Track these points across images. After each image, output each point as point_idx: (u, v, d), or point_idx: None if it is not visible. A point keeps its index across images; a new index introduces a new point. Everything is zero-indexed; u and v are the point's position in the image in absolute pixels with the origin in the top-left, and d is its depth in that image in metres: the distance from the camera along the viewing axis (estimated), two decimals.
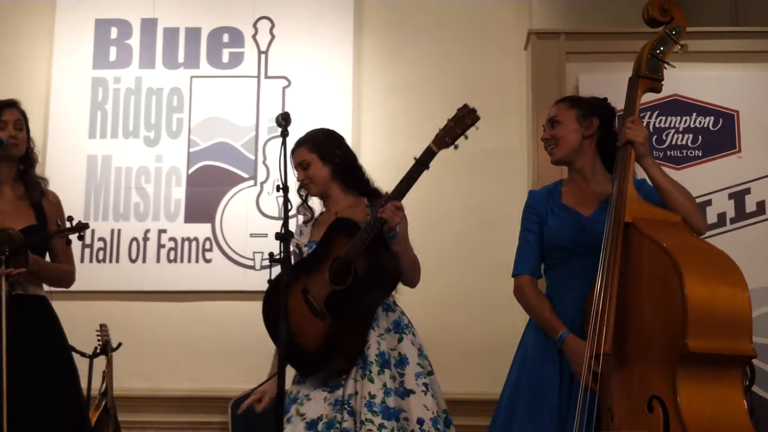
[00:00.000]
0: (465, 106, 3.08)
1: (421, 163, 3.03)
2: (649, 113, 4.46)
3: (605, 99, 3.07)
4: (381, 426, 2.93)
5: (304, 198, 3.37)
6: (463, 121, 3.05)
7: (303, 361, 3.11)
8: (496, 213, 4.83)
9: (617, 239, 2.60)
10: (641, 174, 2.82)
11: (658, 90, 2.87)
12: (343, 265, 3.05)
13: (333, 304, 3.08)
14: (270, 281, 3.04)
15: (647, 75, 2.81)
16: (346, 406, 2.99)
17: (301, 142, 3.33)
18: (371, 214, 3.13)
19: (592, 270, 2.65)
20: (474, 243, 4.84)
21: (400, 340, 3.14)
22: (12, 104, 3.34)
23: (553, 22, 4.83)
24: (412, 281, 3.25)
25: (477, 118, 3.05)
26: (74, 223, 3.22)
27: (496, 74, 5.01)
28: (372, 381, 3.02)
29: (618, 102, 2.98)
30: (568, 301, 2.86)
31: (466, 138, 3.05)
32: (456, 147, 3.05)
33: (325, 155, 3.29)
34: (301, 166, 3.29)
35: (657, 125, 4.50)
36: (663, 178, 2.75)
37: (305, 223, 3.37)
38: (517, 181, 4.82)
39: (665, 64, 2.83)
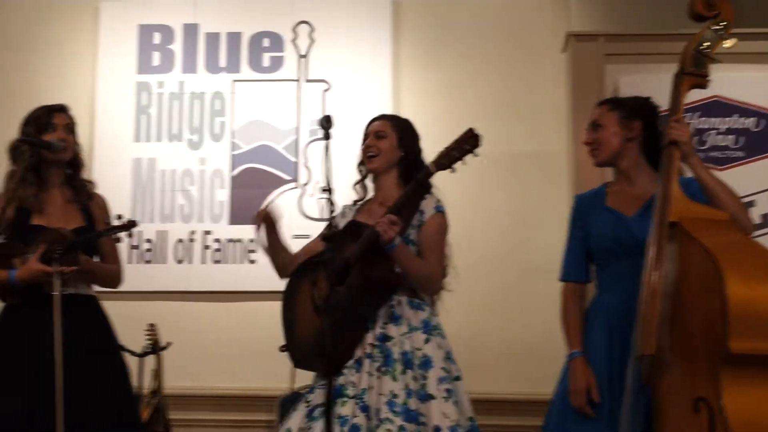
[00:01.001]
0: (470, 130, 2.95)
1: (419, 183, 2.99)
2: (690, 114, 4.42)
3: (648, 98, 3.05)
4: (401, 428, 2.83)
5: (363, 174, 3.28)
6: (462, 146, 2.93)
7: (299, 353, 3.12)
8: (537, 215, 4.85)
9: (662, 239, 2.58)
10: (689, 173, 2.80)
11: (704, 87, 2.78)
12: (341, 266, 3.00)
13: (330, 303, 3.00)
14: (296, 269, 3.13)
15: (692, 72, 2.73)
16: (357, 401, 2.88)
17: (388, 117, 3.30)
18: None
19: (638, 271, 2.64)
20: (515, 244, 4.86)
21: (427, 341, 3.03)
22: (62, 109, 3.37)
23: (591, 24, 4.82)
24: (426, 290, 3.15)
25: (477, 145, 2.92)
26: (124, 221, 3.24)
27: (535, 77, 5.02)
28: (395, 379, 2.92)
29: (661, 104, 2.97)
30: (614, 303, 2.87)
31: (464, 163, 2.94)
32: (453, 171, 2.94)
33: (404, 140, 3.22)
34: (376, 135, 3.19)
35: (698, 126, 4.47)
36: (709, 178, 2.72)
37: (353, 203, 3.31)
38: (557, 183, 4.83)
39: (711, 61, 2.74)
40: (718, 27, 2.77)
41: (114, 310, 3.47)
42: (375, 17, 5.16)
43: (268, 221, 3.18)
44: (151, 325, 4.40)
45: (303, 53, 5.19)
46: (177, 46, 5.22)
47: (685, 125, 2.73)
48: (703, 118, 4.48)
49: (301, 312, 3.10)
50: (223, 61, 5.20)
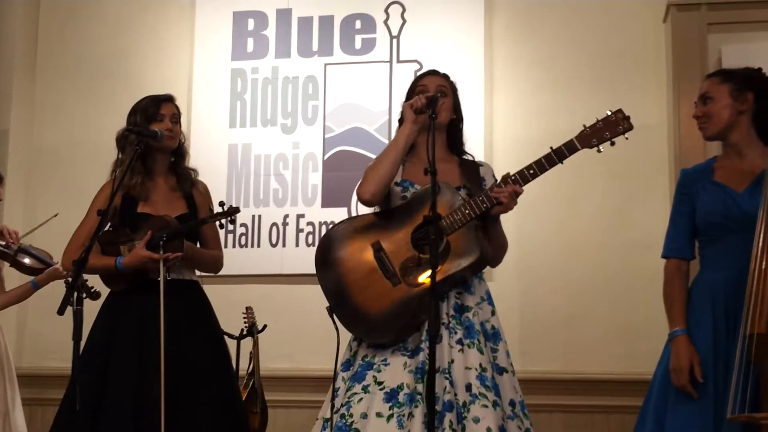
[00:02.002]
0: (620, 111, 2.88)
1: (559, 155, 2.85)
2: None
3: (760, 69, 2.94)
4: (495, 403, 2.71)
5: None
6: (615, 126, 2.85)
7: (362, 323, 2.87)
8: (637, 189, 4.73)
9: None
10: None
11: None
12: (434, 233, 2.77)
13: (409, 270, 2.84)
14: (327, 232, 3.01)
15: None
16: (446, 375, 2.72)
17: (445, 76, 3.15)
18: (480, 190, 2.91)
19: (746, 246, 2.57)
20: (615, 220, 4.74)
21: (493, 313, 2.95)
22: (169, 99, 3.45)
23: None
24: (498, 262, 3.05)
25: (630, 127, 2.86)
26: (226, 208, 3.28)
27: (634, 48, 4.86)
28: (482, 352, 2.79)
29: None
30: (720, 279, 2.79)
31: (613, 144, 2.87)
32: (600, 151, 2.87)
33: (457, 104, 3.13)
34: (441, 92, 3.03)
35: None
36: None
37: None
38: (658, 156, 4.70)
39: None
40: None
41: (212, 293, 3.55)
42: None
43: None
44: (248, 308, 4.47)
45: (395, 34, 5.16)
46: (270, 32, 5.26)
47: None
48: None
49: (362, 280, 2.88)
50: (315, 45, 5.22)
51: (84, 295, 2.80)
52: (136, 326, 3.26)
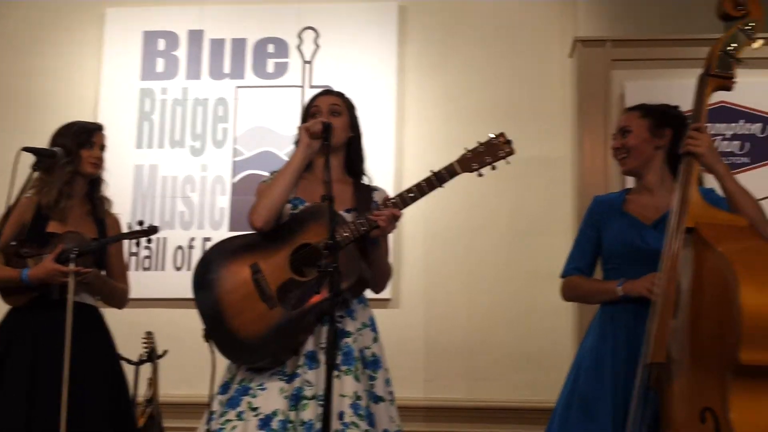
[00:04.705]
0: (502, 134, 2.84)
1: (439, 179, 2.80)
2: None
3: (677, 107, 3.01)
4: None
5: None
6: (496, 150, 2.82)
7: (237, 348, 2.78)
8: (540, 220, 4.81)
9: (676, 246, 2.53)
10: (709, 183, 2.77)
11: (729, 89, 2.73)
12: (311, 255, 2.77)
13: (286, 293, 2.77)
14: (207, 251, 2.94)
15: (717, 73, 2.67)
16: (320, 402, 2.59)
17: (339, 94, 3.09)
18: (358, 216, 2.84)
19: None
20: (518, 250, 4.81)
21: (375, 340, 2.89)
22: (101, 128, 3.49)
23: (598, 29, 4.78)
24: (381, 287, 3.00)
25: (512, 152, 2.82)
26: (145, 226, 3.30)
27: (541, 82, 4.98)
28: (358, 380, 2.73)
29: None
30: (621, 309, 2.83)
31: (494, 169, 2.83)
32: (480, 175, 2.83)
33: (354, 121, 3.08)
34: (334, 112, 2.99)
35: None
36: (734, 186, 2.66)
37: None
38: (562, 188, 4.79)
39: (737, 62, 2.68)
40: (746, 27, 2.72)
41: (112, 317, 3.48)
42: (381, 23, 5.13)
43: None
44: (149, 332, 4.35)
45: (308, 59, 5.16)
46: (181, 52, 5.20)
47: (704, 135, 2.66)
48: (709, 124, 4.42)
49: (237, 302, 2.81)
50: (227, 67, 5.17)
51: None
52: (33, 343, 3.19)
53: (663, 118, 2.95)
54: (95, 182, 3.49)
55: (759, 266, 2.34)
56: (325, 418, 2.31)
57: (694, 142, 2.63)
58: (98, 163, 3.42)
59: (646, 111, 2.99)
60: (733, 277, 2.28)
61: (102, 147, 3.45)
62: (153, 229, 3.30)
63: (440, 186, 2.82)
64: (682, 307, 2.49)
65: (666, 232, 2.60)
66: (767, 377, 2.28)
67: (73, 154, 3.32)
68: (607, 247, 2.93)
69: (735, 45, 2.70)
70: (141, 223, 3.35)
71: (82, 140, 3.38)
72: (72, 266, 3.12)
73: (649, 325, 2.55)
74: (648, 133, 2.93)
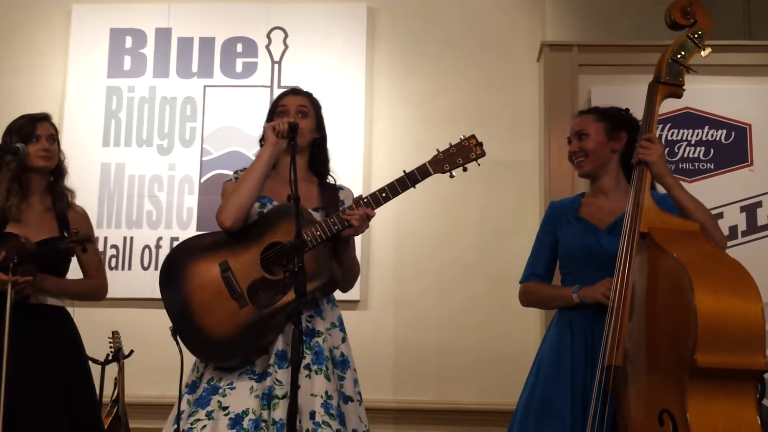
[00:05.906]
0: (473, 136, 2.90)
1: (411, 179, 2.84)
2: (661, 126, 4.45)
3: (627, 110, 3.04)
4: None
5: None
6: (468, 152, 2.87)
7: (206, 346, 2.77)
8: (509, 224, 4.84)
9: (631, 250, 2.57)
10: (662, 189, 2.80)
11: (678, 96, 2.79)
12: (282, 254, 2.77)
13: (257, 291, 2.77)
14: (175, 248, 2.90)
15: (667, 81, 2.73)
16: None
17: (307, 94, 3.10)
18: (332, 214, 2.84)
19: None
20: (486, 253, 4.84)
21: (343, 339, 2.91)
22: (45, 118, 3.35)
23: (566, 34, 4.83)
24: (349, 286, 3.01)
25: (483, 154, 2.87)
26: (80, 236, 3.15)
27: (509, 86, 5.01)
28: (329, 379, 2.74)
29: (635, 115, 2.97)
30: (578, 313, 2.86)
31: (465, 170, 2.88)
32: (452, 176, 2.87)
33: (321, 121, 3.10)
34: (301, 113, 3.02)
35: (669, 138, 4.50)
36: (683, 196, 2.71)
37: None
38: (530, 192, 4.83)
39: (687, 70, 2.74)
40: (694, 35, 2.78)
41: (80, 318, 3.43)
42: (350, 25, 5.13)
43: None
44: (115, 332, 4.34)
45: (277, 59, 5.15)
46: (149, 50, 5.17)
47: (656, 144, 2.71)
48: (674, 130, 4.49)
49: (207, 301, 2.78)
50: (195, 66, 5.15)
51: None
52: None
53: (618, 122, 2.98)
54: (56, 174, 3.38)
55: (712, 271, 2.38)
56: (290, 416, 2.31)
57: (644, 151, 2.68)
58: (48, 155, 3.29)
59: (601, 114, 3.02)
60: (687, 282, 2.31)
61: (50, 137, 3.31)
62: (85, 238, 3.14)
63: (412, 186, 2.85)
64: (638, 310, 2.53)
65: (621, 236, 2.64)
66: (723, 379, 2.31)
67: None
68: (564, 252, 2.96)
69: (683, 53, 2.75)
70: (76, 232, 3.16)
71: (25, 134, 3.26)
72: (11, 275, 3.00)
73: (606, 328, 2.58)
74: (605, 136, 2.96)
